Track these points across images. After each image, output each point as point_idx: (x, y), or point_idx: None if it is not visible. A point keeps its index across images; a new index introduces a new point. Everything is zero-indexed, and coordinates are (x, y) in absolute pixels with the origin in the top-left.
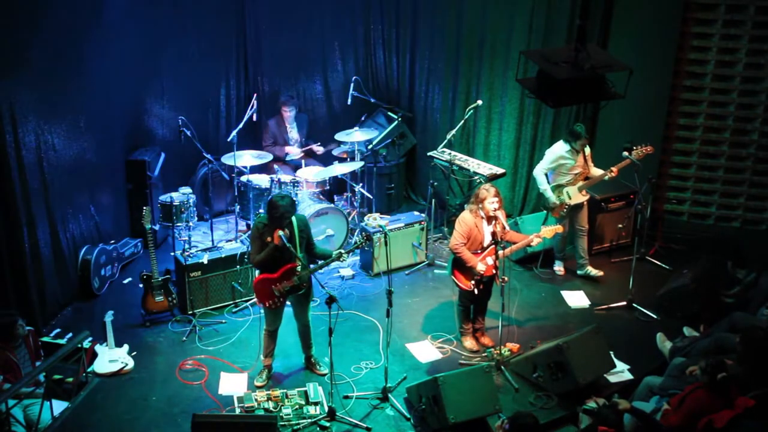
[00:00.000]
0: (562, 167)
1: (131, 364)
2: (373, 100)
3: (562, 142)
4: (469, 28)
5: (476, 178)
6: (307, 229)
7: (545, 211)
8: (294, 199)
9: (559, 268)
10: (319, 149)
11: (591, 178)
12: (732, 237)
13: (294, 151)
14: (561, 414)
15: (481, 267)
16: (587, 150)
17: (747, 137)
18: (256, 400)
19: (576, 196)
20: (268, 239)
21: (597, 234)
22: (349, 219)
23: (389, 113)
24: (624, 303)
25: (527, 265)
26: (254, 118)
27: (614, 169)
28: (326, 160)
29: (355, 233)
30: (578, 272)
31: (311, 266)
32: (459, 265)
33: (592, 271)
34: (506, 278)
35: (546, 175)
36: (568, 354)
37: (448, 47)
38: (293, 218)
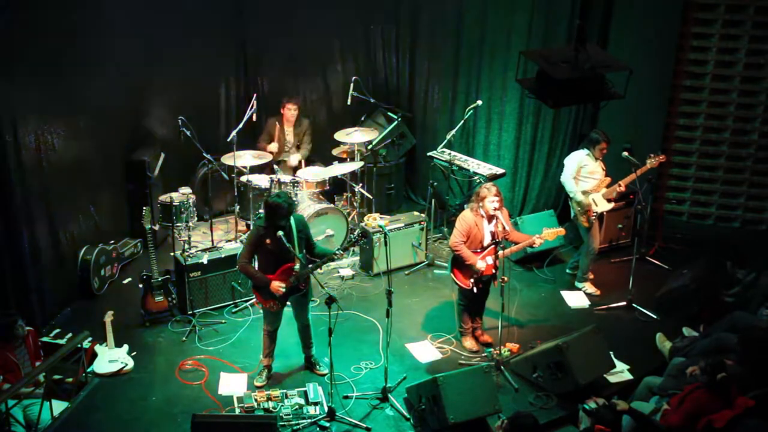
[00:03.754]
0: (582, 170)
1: (131, 364)
2: (372, 100)
3: (581, 149)
4: (469, 28)
5: (476, 178)
6: (306, 229)
7: (575, 217)
8: (289, 194)
9: (588, 285)
10: (294, 160)
11: (605, 184)
12: (732, 237)
13: (289, 152)
14: (561, 414)
15: (480, 265)
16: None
17: (747, 137)
18: (256, 400)
19: (602, 203)
20: (268, 241)
21: None
22: (349, 219)
23: (389, 113)
24: (624, 303)
25: (527, 265)
26: (254, 118)
27: (622, 183)
28: (326, 160)
29: (355, 233)
30: (576, 283)
31: (309, 266)
32: (458, 263)
33: (589, 289)
34: (506, 278)
35: None
36: (568, 354)
37: (448, 47)
38: (291, 218)
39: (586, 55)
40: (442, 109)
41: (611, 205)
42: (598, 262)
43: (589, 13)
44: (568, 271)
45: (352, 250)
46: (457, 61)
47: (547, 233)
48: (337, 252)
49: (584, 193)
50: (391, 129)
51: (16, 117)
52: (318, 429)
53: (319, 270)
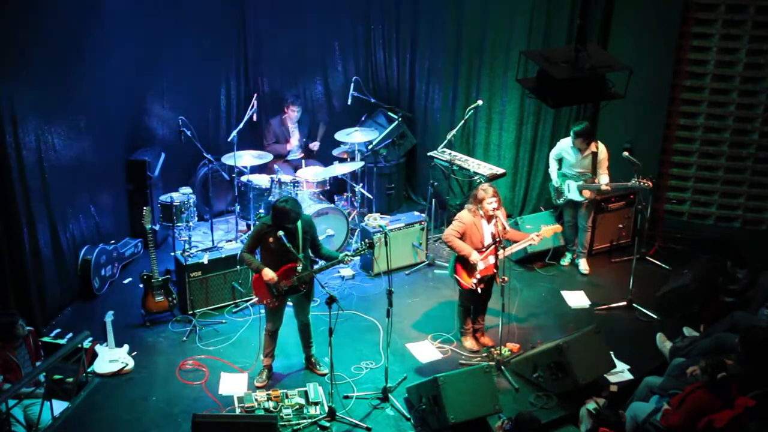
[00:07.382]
0: (564, 161)
1: (131, 364)
2: (373, 100)
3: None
4: (469, 28)
5: (476, 178)
6: (312, 230)
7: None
8: (295, 200)
9: (583, 262)
10: (314, 145)
11: (592, 181)
12: (732, 237)
13: (294, 147)
14: (561, 414)
15: (476, 256)
16: (603, 153)
17: (747, 137)
18: (256, 400)
19: (574, 191)
20: (271, 239)
21: (597, 234)
22: (350, 219)
23: (389, 113)
24: (624, 303)
25: (527, 265)
26: (254, 118)
27: (609, 186)
28: (326, 160)
29: (356, 234)
30: (568, 254)
31: (314, 267)
32: (461, 263)
33: (582, 265)
34: (506, 278)
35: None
36: (568, 354)
37: (448, 47)
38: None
39: (587, 55)
40: (442, 109)
41: (582, 199)
42: (598, 262)
43: (589, 13)
44: (568, 255)
45: (354, 251)
46: (458, 61)
47: (545, 230)
48: (346, 258)
49: (564, 176)
50: (392, 129)
51: (16, 117)
52: (318, 429)
53: (320, 272)
